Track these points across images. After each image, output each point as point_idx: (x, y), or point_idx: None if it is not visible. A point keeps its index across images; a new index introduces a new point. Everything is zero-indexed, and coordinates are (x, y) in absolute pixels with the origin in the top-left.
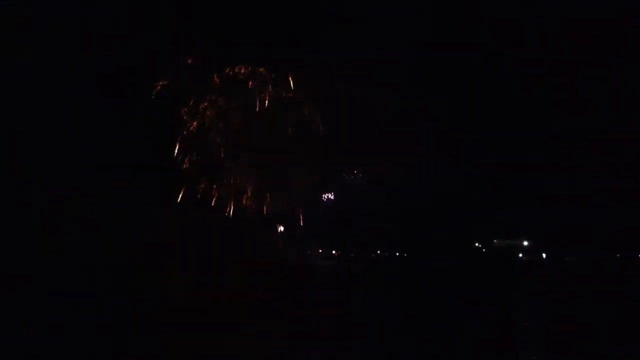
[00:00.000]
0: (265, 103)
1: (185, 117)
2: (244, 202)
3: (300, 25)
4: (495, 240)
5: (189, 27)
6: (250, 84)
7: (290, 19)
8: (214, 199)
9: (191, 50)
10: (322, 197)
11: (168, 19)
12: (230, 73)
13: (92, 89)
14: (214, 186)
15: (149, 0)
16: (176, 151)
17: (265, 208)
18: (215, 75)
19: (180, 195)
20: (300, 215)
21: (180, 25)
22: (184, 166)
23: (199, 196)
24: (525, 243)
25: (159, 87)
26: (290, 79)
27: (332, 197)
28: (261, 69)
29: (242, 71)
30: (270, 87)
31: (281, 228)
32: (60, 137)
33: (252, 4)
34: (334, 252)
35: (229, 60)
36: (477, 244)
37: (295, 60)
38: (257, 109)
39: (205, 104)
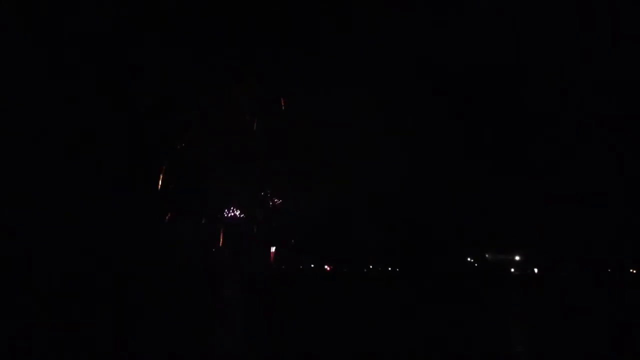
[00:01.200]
0: (254, 119)
1: (171, 135)
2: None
3: (292, 37)
4: (487, 255)
5: (175, 40)
6: (239, 99)
7: (282, 29)
8: (203, 219)
9: (178, 64)
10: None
11: (154, 29)
12: (219, 88)
13: (71, 100)
14: (204, 206)
15: (135, 8)
16: (162, 173)
17: (255, 227)
18: (203, 91)
19: (167, 216)
20: (290, 233)
21: (166, 38)
22: (170, 186)
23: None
24: (517, 258)
25: (144, 101)
26: (282, 101)
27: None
28: (251, 84)
29: (232, 87)
30: (259, 103)
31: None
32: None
33: (242, 16)
34: (326, 267)
35: (217, 74)
36: (469, 259)
37: (287, 73)
38: (247, 125)
39: (193, 119)
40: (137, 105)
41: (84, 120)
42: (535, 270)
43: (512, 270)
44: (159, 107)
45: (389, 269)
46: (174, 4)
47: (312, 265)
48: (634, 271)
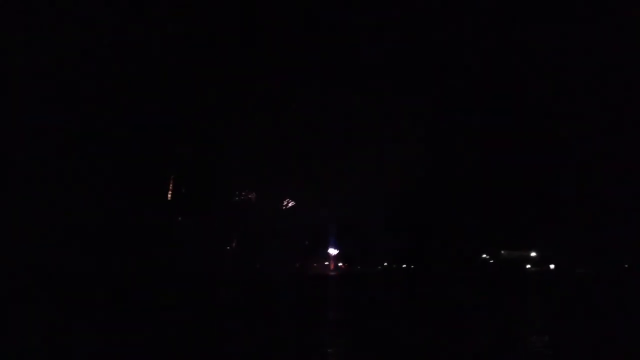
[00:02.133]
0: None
1: (179, 143)
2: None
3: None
4: (502, 252)
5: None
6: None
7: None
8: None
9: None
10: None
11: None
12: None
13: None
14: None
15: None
16: (171, 184)
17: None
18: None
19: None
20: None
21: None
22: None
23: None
24: (533, 254)
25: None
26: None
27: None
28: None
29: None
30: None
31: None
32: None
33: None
34: (340, 264)
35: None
36: (484, 255)
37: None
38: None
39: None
40: (147, 108)
41: (94, 123)
42: (551, 266)
43: (528, 266)
44: (168, 108)
45: (404, 266)
46: (175, 5)
47: (326, 264)
48: None
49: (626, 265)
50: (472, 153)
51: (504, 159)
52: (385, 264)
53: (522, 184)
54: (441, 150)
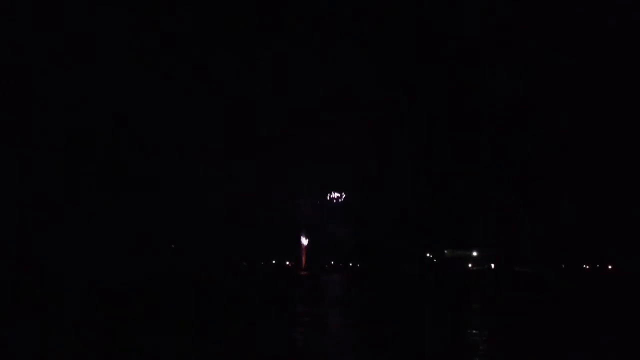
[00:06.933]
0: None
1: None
2: None
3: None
4: (445, 251)
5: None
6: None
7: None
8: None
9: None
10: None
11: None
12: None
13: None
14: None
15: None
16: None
17: None
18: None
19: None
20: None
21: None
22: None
23: None
24: (475, 254)
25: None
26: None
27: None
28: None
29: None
30: None
31: None
32: None
33: None
34: (287, 262)
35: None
36: (428, 255)
37: None
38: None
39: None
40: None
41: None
42: (492, 265)
43: (470, 265)
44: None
45: (350, 264)
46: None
47: (274, 262)
48: (587, 267)
49: (563, 266)
50: (420, 154)
51: (450, 159)
52: (332, 262)
53: (466, 185)
54: (392, 152)
